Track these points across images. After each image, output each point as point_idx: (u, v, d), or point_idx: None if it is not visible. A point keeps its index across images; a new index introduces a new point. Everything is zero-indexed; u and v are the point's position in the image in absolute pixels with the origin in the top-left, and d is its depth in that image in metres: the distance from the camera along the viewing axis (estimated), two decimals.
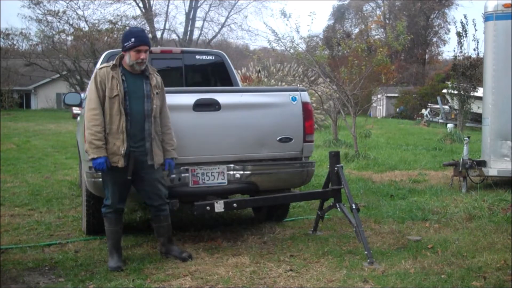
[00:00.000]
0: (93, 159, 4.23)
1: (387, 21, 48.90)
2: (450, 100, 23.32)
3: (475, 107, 19.41)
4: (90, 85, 4.33)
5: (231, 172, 4.95)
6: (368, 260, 4.38)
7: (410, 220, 5.90)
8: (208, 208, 4.68)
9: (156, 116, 4.42)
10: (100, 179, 4.60)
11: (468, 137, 8.11)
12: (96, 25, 35.22)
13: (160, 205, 4.53)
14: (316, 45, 24.74)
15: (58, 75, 39.50)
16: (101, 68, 4.34)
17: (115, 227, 4.47)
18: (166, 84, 4.66)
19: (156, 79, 4.47)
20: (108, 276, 4.18)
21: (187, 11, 43.85)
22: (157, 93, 4.43)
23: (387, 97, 37.70)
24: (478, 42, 18.17)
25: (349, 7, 53.22)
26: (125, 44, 4.35)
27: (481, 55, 17.52)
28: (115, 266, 4.33)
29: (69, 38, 36.23)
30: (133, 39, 4.32)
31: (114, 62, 4.36)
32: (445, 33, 49.52)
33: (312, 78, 20.63)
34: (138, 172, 4.40)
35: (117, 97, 4.25)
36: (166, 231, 4.60)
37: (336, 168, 4.98)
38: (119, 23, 35.17)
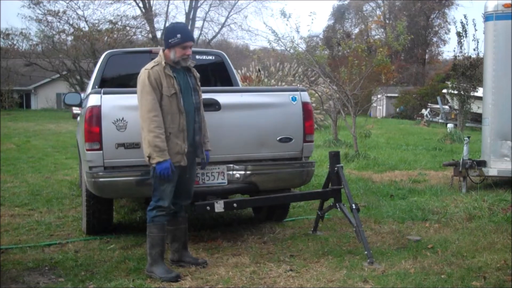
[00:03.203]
0: (158, 163, 4.03)
1: (387, 21, 48.88)
2: (450, 100, 23.30)
3: (475, 107, 19.40)
4: (144, 86, 4.09)
5: (231, 172, 4.95)
6: (368, 260, 4.38)
7: (410, 220, 5.90)
8: (208, 208, 4.67)
9: (201, 108, 4.39)
10: (100, 179, 4.61)
11: (468, 137, 8.11)
12: (96, 25, 35.21)
13: (183, 206, 4.44)
14: (316, 45, 24.72)
15: (58, 75, 39.47)
16: (152, 68, 4.15)
17: (163, 233, 4.22)
18: None
19: (196, 72, 4.44)
20: (108, 276, 4.18)
21: (187, 11, 43.85)
22: (199, 85, 4.42)
23: (387, 97, 37.69)
24: (478, 42, 18.14)
25: (349, 7, 53.22)
26: (169, 41, 4.20)
27: (481, 55, 17.50)
28: (173, 275, 4.08)
29: (69, 38, 36.21)
30: (179, 35, 4.18)
31: (163, 60, 4.20)
32: (445, 33, 49.57)
33: (312, 78, 20.61)
34: (189, 169, 4.32)
35: (175, 95, 4.15)
36: (183, 234, 4.47)
37: (336, 168, 4.98)
38: (119, 23, 35.18)
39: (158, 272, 4.13)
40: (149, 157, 4.07)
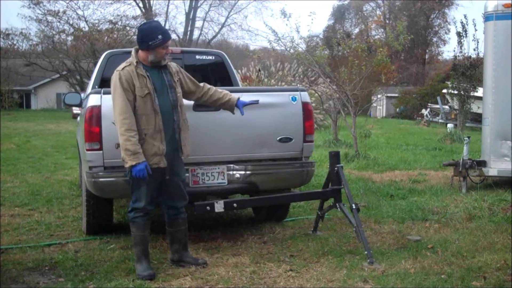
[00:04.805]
0: (131, 166, 4.00)
1: (387, 21, 48.90)
2: (450, 100, 23.32)
3: (475, 107, 19.41)
4: (115, 88, 4.08)
5: (231, 172, 4.94)
6: (368, 260, 4.38)
7: (410, 220, 5.90)
8: (208, 208, 4.67)
9: (181, 105, 4.29)
10: (100, 179, 4.61)
11: (468, 137, 8.11)
12: (96, 25, 35.21)
13: (181, 207, 4.41)
14: (316, 45, 24.73)
15: (58, 75, 39.50)
16: (123, 69, 4.12)
17: (143, 232, 4.23)
18: None
19: (172, 66, 4.35)
20: (108, 276, 4.17)
21: (187, 11, 43.93)
22: (177, 80, 4.31)
23: (387, 97, 37.71)
24: (478, 42, 18.17)
25: (349, 7, 53.25)
26: (150, 43, 4.11)
27: (481, 55, 17.51)
28: (146, 274, 4.11)
29: (69, 38, 36.21)
30: (160, 36, 4.12)
31: (135, 59, 4.16)
32: (445, 33, 49.61)
33: (312, 78, 20.62)
34: (170, 170, 4.26)
35: (149, 95, 4.09)
36: (183, 235, 4.45)
37: (336, 168, 4.98)
38: (119, 23, 35.18)
39: (138, 270, 4.19)
40: (123, 160, 4.06)
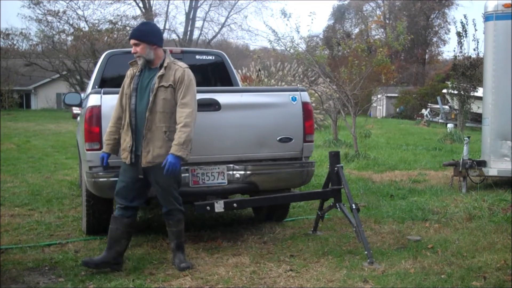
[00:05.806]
0: None
1: (387, 21, 48.90)
2: (450, 100, 23.32)
3: (475, 107, 19.41)
4: None
5: (231, 172, 4.94)
6: (368, 260, 4.38)
7: (410, 220, 5.90)
8: (208, 208, 4.67)
9: (159, 111, 4.17)
10: (100, 179, 4.63)
11: (468, 137, 8.11)
12: (96, 25, 35.20)
13: (170, 210, 4.37)
14: (316, 45, 24.74)
15: (58, 75, 39.49)
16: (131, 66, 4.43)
17: (116, 225, 4.31)
18: None
19: (169, 71, 4.23)
20: (108, 276, 4.18)
21: (187, 11, 43.94)
22: (165, 86, 4.18)
23: (387, 97, 37.70)
24: (478, 42, 18.16)
25: (349, 7, 53.24)
26: None
27: (481, 55, 17.50)
28: (85, 258, 4.34)
29: (69, 38, 36.20)
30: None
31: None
32: (445, 33, 49.61)
33: (312, 78, 20.61)
34: (149, 172, 4.25)
35: (128, 93, 4.30)
36: (175, 236, 4.42)
37: (336, 168, 4.98)
38: (119, 23, 35.16)
39: None
40: None
